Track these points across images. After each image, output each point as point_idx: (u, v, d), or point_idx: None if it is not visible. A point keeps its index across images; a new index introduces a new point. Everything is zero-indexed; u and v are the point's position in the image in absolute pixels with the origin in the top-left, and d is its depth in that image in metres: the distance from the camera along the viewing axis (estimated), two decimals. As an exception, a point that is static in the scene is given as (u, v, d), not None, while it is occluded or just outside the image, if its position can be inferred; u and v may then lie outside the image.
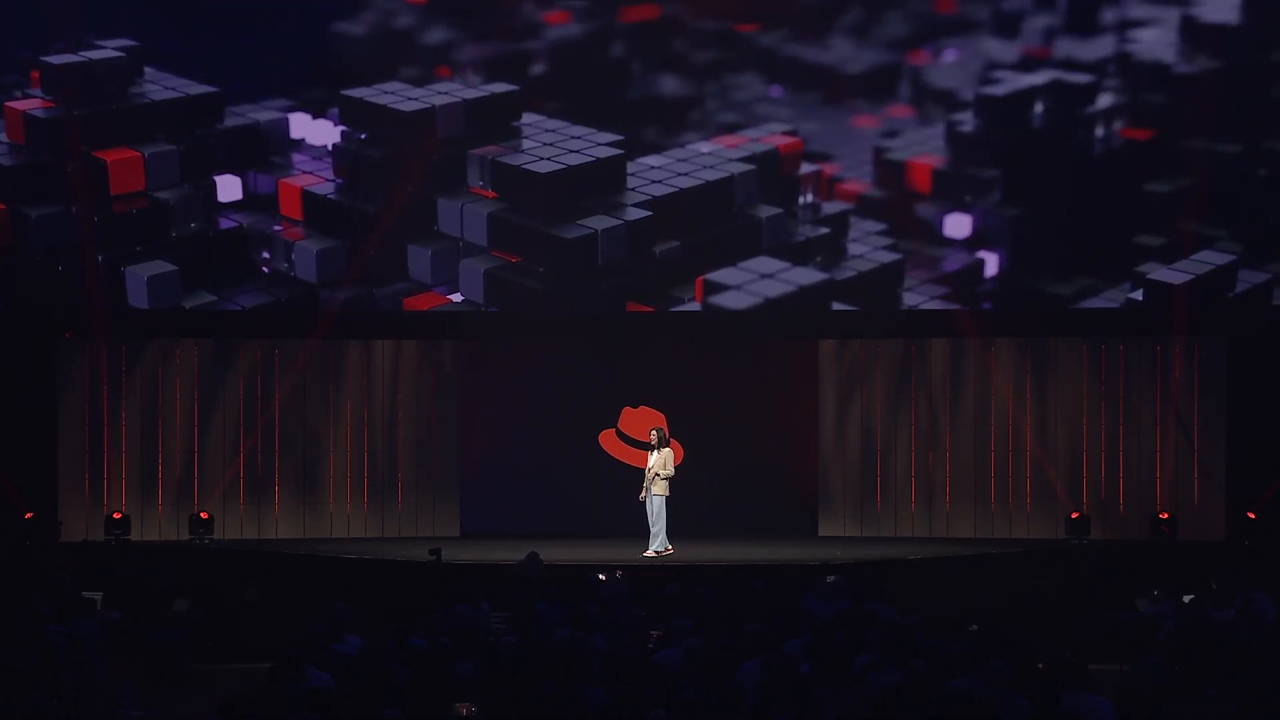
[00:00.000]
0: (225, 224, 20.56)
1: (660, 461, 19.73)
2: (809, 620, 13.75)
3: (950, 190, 20.89)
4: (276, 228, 20.57)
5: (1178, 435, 21.48)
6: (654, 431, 19.99)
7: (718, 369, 22.44)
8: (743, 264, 20.26)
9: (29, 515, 20.44)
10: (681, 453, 21.66)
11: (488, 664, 12.33)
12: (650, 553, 19.58)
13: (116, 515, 20.76)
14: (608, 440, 22.26)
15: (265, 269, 20.58)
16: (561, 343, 22.21)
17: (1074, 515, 20.82)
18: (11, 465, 20.78)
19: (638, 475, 20.33)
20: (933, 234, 20.91)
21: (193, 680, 17.24)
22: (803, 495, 22.39)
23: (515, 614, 15.02)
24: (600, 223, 19.91)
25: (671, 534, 19.83)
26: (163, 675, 17.14)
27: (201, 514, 20.93)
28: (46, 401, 21.46)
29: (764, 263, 20.29)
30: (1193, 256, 20.59)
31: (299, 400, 22.04)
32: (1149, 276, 20.53)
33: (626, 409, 22.27)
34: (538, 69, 21.37)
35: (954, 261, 20.91)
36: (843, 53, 21.41)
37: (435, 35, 21.48)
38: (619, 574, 17.77)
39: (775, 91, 21.47)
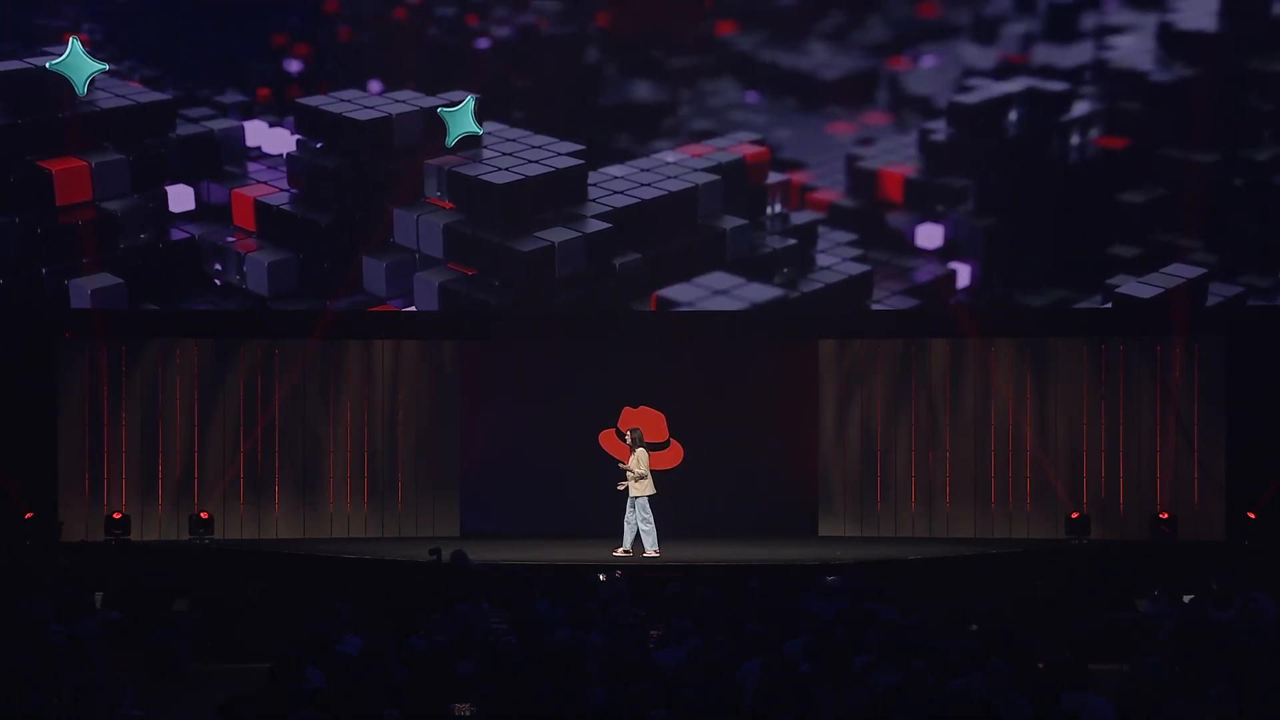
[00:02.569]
0: (177, 235, 20.20)
1: (634, 461, 19.66)
2: (809, 620, 13.74)
3: (922, 200, 20.60)
4: (229, 239, 20.27)
5: (1178, 435, 21.47)
6: (630, 432, 19.93)
7: (718, 369, 22.42)
8: (697, 280, 19.91)
9: (29, 515, 20.43)
10: (681, 453, 21.68)
11: (488, 664, 12.33)
12: (650, 552, 19.54)
13: (116, 515, 20.75)
14: (608, 440, 22.25)
15: (218, 281, 20.29)
16: (561, 343, 22.20)
17: (1074, 515, 20.81)
18: (11, 465, 20.77)
19: (637, 476, 20.36)
20: (904, 244, 20.64)
21: (193, 680, 17.24)
22: (803, 495, 22.39)
23: (515, 614, 15.02)
24: (558, 234, 19.56)
25: (670, 534, 19.81)
26: (163, 675, 17.14)
27: (201, 514, 20.93)
28: (46, 401, 21.44)
29: (719, 278, 19.94)
30: (1163, 269, 20.38)
31: (299, 400, 22.04)
32: (1118, 290, 20.37)
33: (626, 409, 22.26)
34: (509, 74, 21.13)
35: (925, 272, 20.64)
36: (821, 58, 21.10)
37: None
38: (619, 574, 17.77)
39: (751, 97, 21.18)
